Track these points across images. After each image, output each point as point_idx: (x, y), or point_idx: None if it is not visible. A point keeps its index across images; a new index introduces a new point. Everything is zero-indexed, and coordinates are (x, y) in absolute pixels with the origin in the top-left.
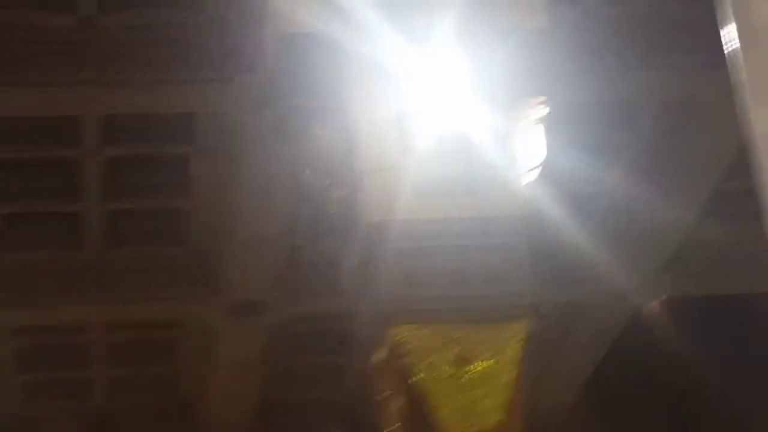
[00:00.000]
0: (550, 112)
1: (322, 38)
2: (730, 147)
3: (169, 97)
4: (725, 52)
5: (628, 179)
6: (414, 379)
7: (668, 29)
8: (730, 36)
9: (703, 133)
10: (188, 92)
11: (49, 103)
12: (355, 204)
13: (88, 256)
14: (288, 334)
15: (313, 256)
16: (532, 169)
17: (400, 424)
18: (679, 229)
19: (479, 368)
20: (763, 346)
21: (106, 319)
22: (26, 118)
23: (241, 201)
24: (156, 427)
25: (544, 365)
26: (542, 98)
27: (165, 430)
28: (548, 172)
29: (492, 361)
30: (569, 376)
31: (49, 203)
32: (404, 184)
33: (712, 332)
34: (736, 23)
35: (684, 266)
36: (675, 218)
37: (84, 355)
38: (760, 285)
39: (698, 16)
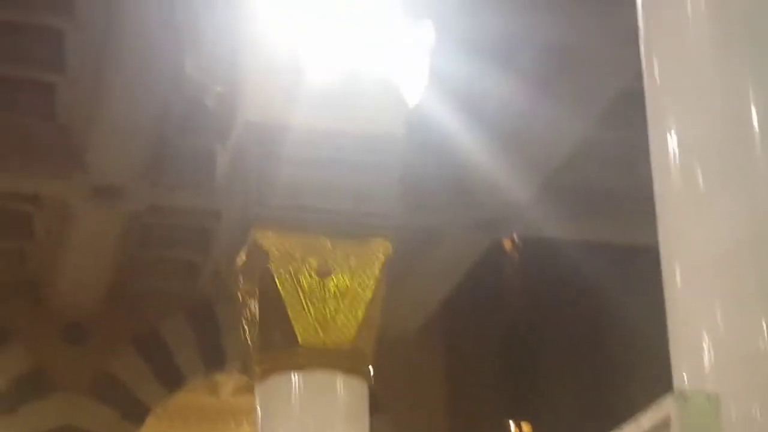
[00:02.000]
0: (436, 36)
1: None
2: (606, 94)
3: None
4: None
5: (508, 111)
6: (273, 285)
7: None
8: None
9: (582, 77)
10: None
11: None
12: (234, 102)
13: None
14: (147, 224)
15: (183, 149)
16: (415, 90)
17: (254, 327)
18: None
19: (338, 283)
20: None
21: None
22: None
23: (116, 82)
24: (1, 299)
25: (398, 287)
26: (429, 22)
27: (9, 306)
28: (433, 94)
29: (351, 277)
30: (420, 301)
31: None
32: (287, 89)
33: (560, 275)
34: None
35: (549, 205)
36: (547, 152)
37: None
38: (620, 235)
39: None
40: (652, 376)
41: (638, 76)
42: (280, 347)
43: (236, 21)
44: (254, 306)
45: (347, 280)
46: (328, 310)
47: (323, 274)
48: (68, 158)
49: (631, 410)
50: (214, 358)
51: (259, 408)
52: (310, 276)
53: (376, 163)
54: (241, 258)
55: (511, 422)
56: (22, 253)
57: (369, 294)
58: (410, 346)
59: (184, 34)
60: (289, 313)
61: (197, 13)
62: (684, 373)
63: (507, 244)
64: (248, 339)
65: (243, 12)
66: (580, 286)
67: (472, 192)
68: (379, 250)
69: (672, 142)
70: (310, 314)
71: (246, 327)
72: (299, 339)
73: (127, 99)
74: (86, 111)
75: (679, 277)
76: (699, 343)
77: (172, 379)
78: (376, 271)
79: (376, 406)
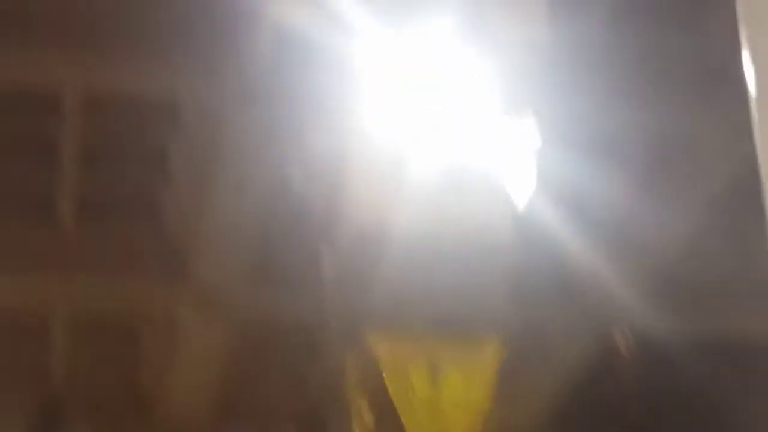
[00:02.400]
0: (543, 128)
1: (322, 39)
2: (715, 181)
3: (152, 79)
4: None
5: (617, 201)
6: (384, 390)
7: (673, 63)
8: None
9: (690, 165)
10: (174, 77)
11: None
12: (338, 204)
13: (59, 231)
14: (254, 332)
15: (289, 254)
16: (523, 189)
17: None
18: (668, 253)
19: (450, 386)
20: (732, 395)
21: (70, 298)
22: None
23: (219, 188)
24: (110, 417)
25: (507, 388)
26: (536, 112)
27: (116, 421)
28: (539, 188)
29: (463, 379)
30: (530, 400)
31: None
32: (391, 190)
33: (679, 371)
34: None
35: (669, 298)
36: (663, 242)
37: (39, 336)
38: (741, 327)
39: (701, 54)
40: None
41: (748, 159)
42: None
43: (338, 123)
44: (366, 414)
45: (459, 383)
46: (440, 415)
47: (434, 378)
48: (173, 267)
49: None
50: None
51: None
52: (421, 381)
53: (484, 264)
54: (350, 364)
55: None
56: (131, 366)
57: (481, 396)
58: None
59: (288, 138)
60: (402, 419)
61: (300, 118)
62: None
63: (618, 342)
64: None
65: (345, 115)
66: (696, 385)
67: (581, 289)
68: (491, 351)
69: None
70: (424, 419)
71: None
72: None
73: (231, 208)
74: (190, 221)
75: None
76: None
77: None
78: (489, 373)
79: None
